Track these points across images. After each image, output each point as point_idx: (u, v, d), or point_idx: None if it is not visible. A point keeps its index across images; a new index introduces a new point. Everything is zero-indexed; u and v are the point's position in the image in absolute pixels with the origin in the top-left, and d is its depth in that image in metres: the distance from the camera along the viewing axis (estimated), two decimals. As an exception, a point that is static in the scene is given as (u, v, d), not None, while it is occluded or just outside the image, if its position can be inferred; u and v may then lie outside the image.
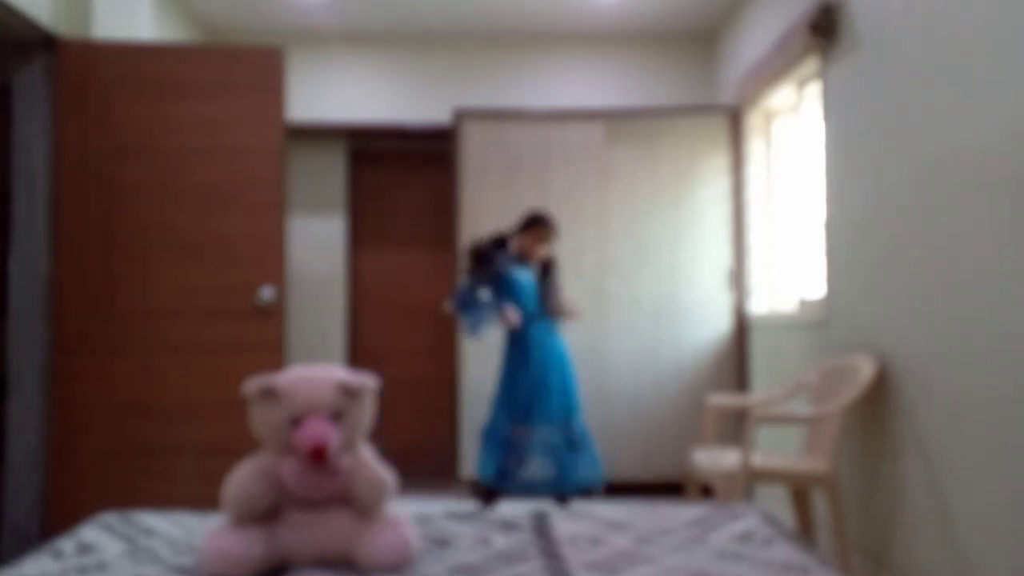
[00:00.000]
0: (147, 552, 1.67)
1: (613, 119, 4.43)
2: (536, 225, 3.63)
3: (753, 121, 4.29)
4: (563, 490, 3.46)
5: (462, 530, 1.84)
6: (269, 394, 1.55)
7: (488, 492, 3.56)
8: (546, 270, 3.68)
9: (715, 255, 4.35)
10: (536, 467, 3.44)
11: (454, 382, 4.34)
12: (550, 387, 3.51)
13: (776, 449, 3.31)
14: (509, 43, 4.99)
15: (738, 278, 4.33)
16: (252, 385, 1.56)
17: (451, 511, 2.02)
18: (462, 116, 4.40)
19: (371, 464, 1.61)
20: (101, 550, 1.68)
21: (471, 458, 4.26)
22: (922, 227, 2.53)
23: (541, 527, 1.88)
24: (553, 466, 3.45)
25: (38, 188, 3.18)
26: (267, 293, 3.22)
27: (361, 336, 5.16)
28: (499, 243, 3.63)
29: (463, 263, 3.72)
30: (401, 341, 5.17)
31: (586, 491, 3.50)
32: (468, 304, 3.56)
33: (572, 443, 3.48)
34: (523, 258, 3.64)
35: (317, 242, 5.04)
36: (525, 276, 3.63)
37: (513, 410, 3.51)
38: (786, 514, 3.21)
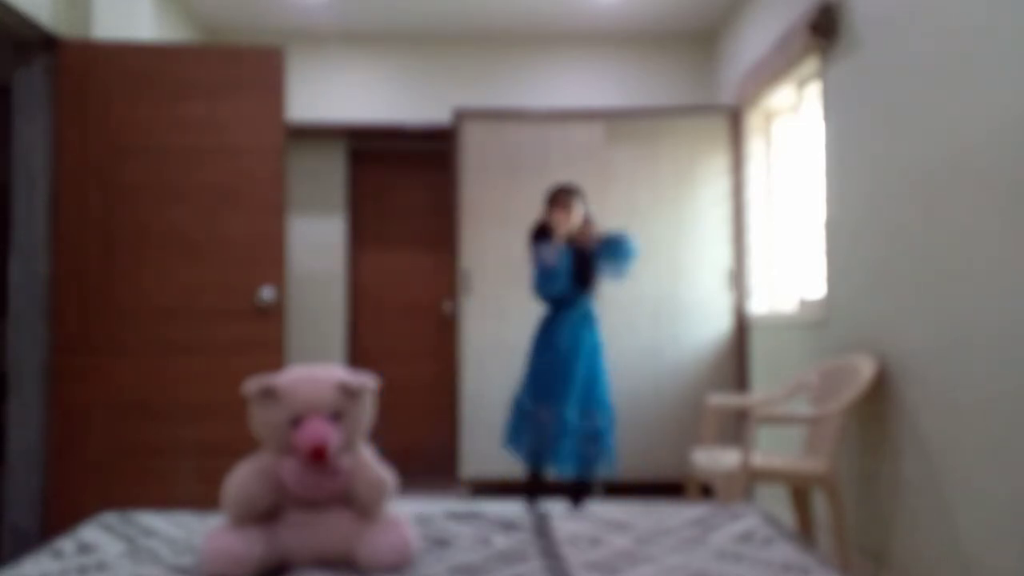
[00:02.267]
0: (147, 552, 1.67)
1: (613, 119, 4.43)
2: (551, 198, 3.47)
3: (753, 121, 4.29)
4: (580, 476, 3.39)
5: (462, 530, 1.84)
6: (269, 394, 1.55)
7: (531, 480, 3.47)
8: (582, 255, 3.43)
9: (715, 255, 4.35)
10: (561, 449, 3.38)
11: (454, 382, 4.34)
12: (574, 374, 3.38)
13: (776, 449, 3.31)
14: (509, 43, 4.99)
15: (738, 278, 4.33)
16: (252, 385, 1.56)
17: (451, 511, 2.02)
18: (462, 116, 4.40)
19: (371, 464, 1.61)
20: (101, 550, 1.68)
21: (471, 458, 4.27)
22: (922, 227, 2.53)
23: (541, 527, 1.88)
24: (574, 451, 3.36)
25: (38, 188, 3.18)
26: (267, 293, 3.22)
27: (361, 336, 5.16)
28: (540, 231, 3.50)
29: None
30: (401, 341, 5.17)
31: (589, 482, 3.44)
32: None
33: (590, 435, 3.38)
34: (550, 235, 3.44)
35: (317, 242, 5.04)
36: (560, 260, 3.40)
37: (536, 388, 3.42)
38: (786, 514, 3.21)
